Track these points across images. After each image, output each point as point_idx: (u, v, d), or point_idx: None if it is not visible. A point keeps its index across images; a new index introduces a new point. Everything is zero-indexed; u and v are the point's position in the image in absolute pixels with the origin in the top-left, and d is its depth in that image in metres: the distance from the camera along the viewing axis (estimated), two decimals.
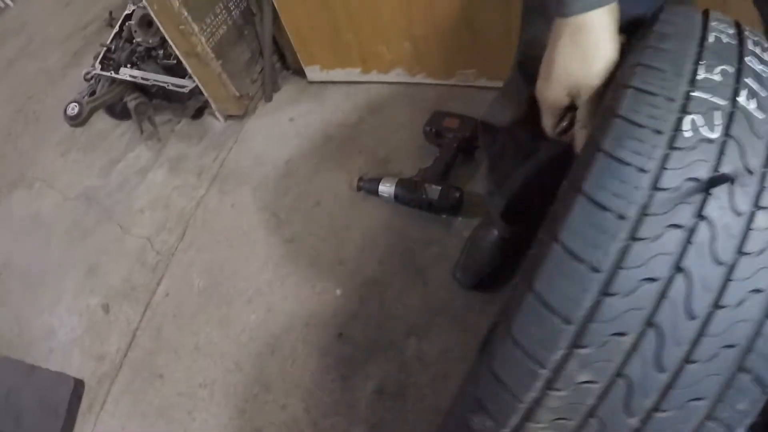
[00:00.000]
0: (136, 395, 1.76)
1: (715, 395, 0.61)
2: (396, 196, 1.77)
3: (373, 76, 2.16)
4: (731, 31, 0.69)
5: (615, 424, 0.63)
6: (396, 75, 2.12)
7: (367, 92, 2.17)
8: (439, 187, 1.70)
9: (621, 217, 0.58)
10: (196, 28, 2.00)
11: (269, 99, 2.31)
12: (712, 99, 0.61)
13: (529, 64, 1.05)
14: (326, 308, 1.70)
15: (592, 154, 0.63)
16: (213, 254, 1.94)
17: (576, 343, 0.61)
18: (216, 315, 1.81)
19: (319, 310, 1.70)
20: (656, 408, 0.61)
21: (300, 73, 2.31)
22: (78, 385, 1.84)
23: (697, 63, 0.63)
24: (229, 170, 2.16)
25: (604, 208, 0.59)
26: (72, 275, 2.12)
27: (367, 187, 1.83)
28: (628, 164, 0.59)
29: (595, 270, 0.59)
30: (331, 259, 1.80)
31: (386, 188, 1.78)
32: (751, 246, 0.58)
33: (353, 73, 2.19)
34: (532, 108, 1.10)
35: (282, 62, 2.36)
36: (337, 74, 2.22)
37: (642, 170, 0.59)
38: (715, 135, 0.59)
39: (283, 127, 2.21)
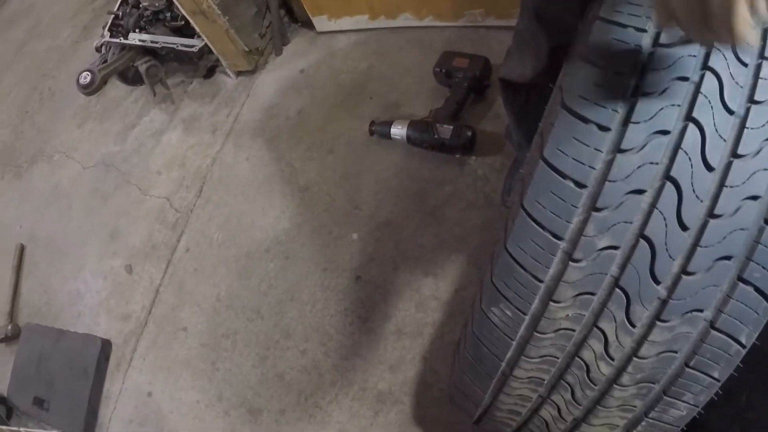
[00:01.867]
0: (161, 350, 1.80)
1: (744, 253, 0.58)
2: (408, 138, 1.75)
3: (381, 22, 2.13)
4: None
5: (642, 294, 0.61)
6: (404, 19, 2.09)
7: (375, 39, 2.15)
8: (451, 127, 1.69)
9: (623, 73, 0.58)
10: None
11: (279, 52, 2.29)
12: None
13: (549, 10, 1.03)
14: (343, 253, 1.71)
15: (590, 24, 0.63)
16: (230, 208, 1.95)
17: (592, 206, 0.60)
18: (235, 266, 1.83)
19: (336, 255, 1.71)
20: (683, 271, 0.59)
21: (308, 24, 2.29)
22: (105, 345, 1.88)
23: None
24: (242, 125, 2.16)
25: (606, 67, 0.60)
26: (94, 240, 2.15)
27: (380, 130, 1.82)
28: (626, 26, 0.59)
29: (604, 128, 0.58)
30: (346, 204, 1.80)
31: (398, 130, 1.77)
32: (761, 95, 0.56)
33: (361, 21, 2.16)
34: (553, 58, 1.07)
35: (290, 15, 2.34)
36: (345, 23, 2.19)
37: (641, 30, 0.59)
38: None
39: (294, 79, 2.20)
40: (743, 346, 0.62)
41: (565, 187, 0.60)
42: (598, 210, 0.59)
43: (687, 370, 0.64)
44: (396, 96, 1.96)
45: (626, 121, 0.58)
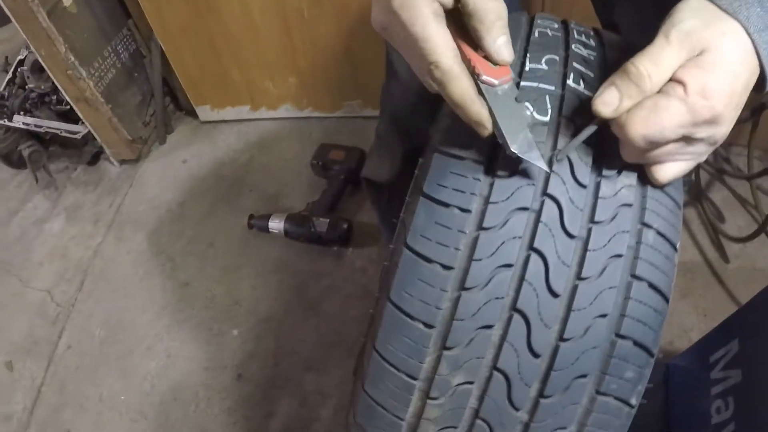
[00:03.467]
0: None
1: (598, 369, 0.59)
2: (286, 232, 1.79)
3: (263, 113, 2.18)
4: (556, 25, 0.71)
5: (503, 421, 0.61)
6: (284, 110, 2.15)
7: (257, 129, 2.19)
8: (327, 220, 1.73)
9: (464, 210, 0.58)
10: (84, 73, 1.98)
11: (163, 141, 2.30)
12: (541, 86, 0.62)
13: (403, 116, 1.05)
14: (224, 350, 1.71)
15: (429, 155, 0.64)
16: (111, 303, 1.92)
17: (443, 345, 0.59)
18: (117, 365, 1.79)
19: (217, 353, 1.71)
20: (541, 395, 0.59)
21: (192, 113, 2.31)
22: None
23: (524, 57, 0.64)
24: (124, 216, 2.14)
25: (446, 204, 0.59)
26: None
27: (258, 224, 1.85)
28: (463, 158, 0.60)
29: (447, 267, 0.58)
30: (226, 300, 1.80)
31: (276, 224, 1.80)
32: (600, 215, 0.57)
33: (243, 111, 2.21)
34: (409, 163, 1.11)
35: (174, 103, 2.36)
36: (228, 113, 2.23)
37: (478, 161, 0.59)
38: (546, 117, 0.60)
39: (176, 170, 2.21)
40: None
41: (415, 329, 0.61)
42: (448, 348, 0.59)
43: None
44: (275, 188, 2.00)
45: (469, 258, 0.58)
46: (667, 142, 0.52)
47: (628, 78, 0.52)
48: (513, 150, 0.55)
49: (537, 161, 0.55)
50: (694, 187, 1.77)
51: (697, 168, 1.77)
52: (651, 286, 0.59)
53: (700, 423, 1.16)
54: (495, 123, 0.56)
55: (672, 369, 1.39)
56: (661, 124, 0.50)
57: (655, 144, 0.52)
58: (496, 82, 0.56)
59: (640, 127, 0.51)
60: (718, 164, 1.78)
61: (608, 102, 0.53)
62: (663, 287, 0.60)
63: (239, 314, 1.76)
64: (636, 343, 0.59)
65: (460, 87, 0.54)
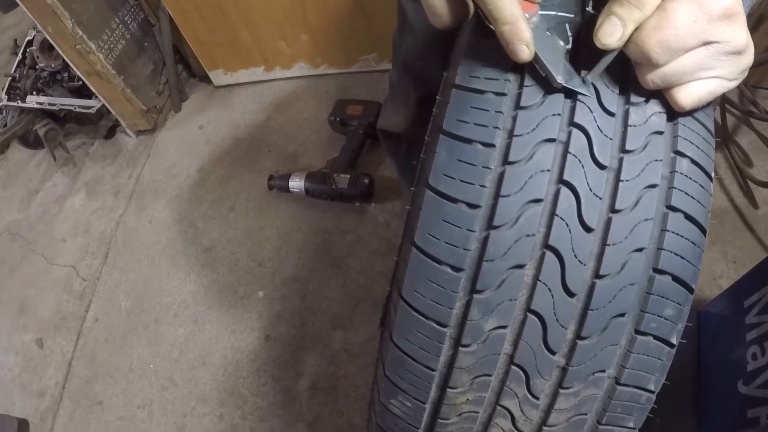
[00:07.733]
0: (78, 426, 1.73)
1: (637, 307, 0.56)
2: (307, 190, 1.76)
3: (277, 73, 2.15)
4: None
5: (539, 366, 0.59)
6: (299, 69, 2.10)
7: (272, 90, 2.16)
8: (348, 176, 1.70)
9: (488, 144, 0.56)
10: (93, 46, 1.96)
11: (178, 109, 2.28)
12: (559, 14, 0.59)
13: (415, 62, 1.06)
14: (250, 312, 1.69)
15: (447, 91, 0.61)
16: (136, 273, 1.92)
17: (473, 289, 0.57)
18: (145, 334, 1.79)
19: (243, 316, 1.69)
20: (578, 337, 0.57)
21: (206, 79, 2.28)
22: (22, 425, 1.81)
23: None
24: (144, 186, 2.13)
25: (468, 140, 0.56)
26: (3, 314, 2.07)
27: (278, 184, 1.82)
28: (483, 91, 0.57)
29: (473, 206, 0.56)
30: (250, 262, 1.78)
31: (296, 183, 1.77)
32: (631, 144, 0.55)
33: (257, 73, 2.17)
34: (422, 109, 1.09)
35: (187, 70, 2.33)
36: (242, 75, 2.20)
37: (500, 94, 0.57)
38: (568, 45, 0.57)
39: (193, 136, 2.19)
40: (653, 392, 0.61)
41: (442, 273, 0.58)
42: (479, 292, 0.56)
43: (600, 427, 0.62)
44: (294, 147, 1.97)
45: (496, 195, 0.55)
46: (685, 50, 0.50)
47: (628, 3, 0.50)
48: (559, 81, 0.53)
49: (580, 88, 0.54)
50: (720, 131, 1.69)
51: (724, 111, 1.70)
52: (687, 217, 0.56)
53: (734, 371, 1.12)
54: (536, 57, 0.54)
55: (704, 316, 1.35)
56: (675, 24, 0.48)
57: (673, 52, 0.49)
58: (526, 15, 0.54)
59: (654, 34, 0.49)
60: (746, 107, 1.70)
61: (611, 32, 0.51)
62: (700, 218, 0.57)
63: (264, 276, 1.74)
64: (675, 278, 0.56)
65: (512, 2, 0.52)
